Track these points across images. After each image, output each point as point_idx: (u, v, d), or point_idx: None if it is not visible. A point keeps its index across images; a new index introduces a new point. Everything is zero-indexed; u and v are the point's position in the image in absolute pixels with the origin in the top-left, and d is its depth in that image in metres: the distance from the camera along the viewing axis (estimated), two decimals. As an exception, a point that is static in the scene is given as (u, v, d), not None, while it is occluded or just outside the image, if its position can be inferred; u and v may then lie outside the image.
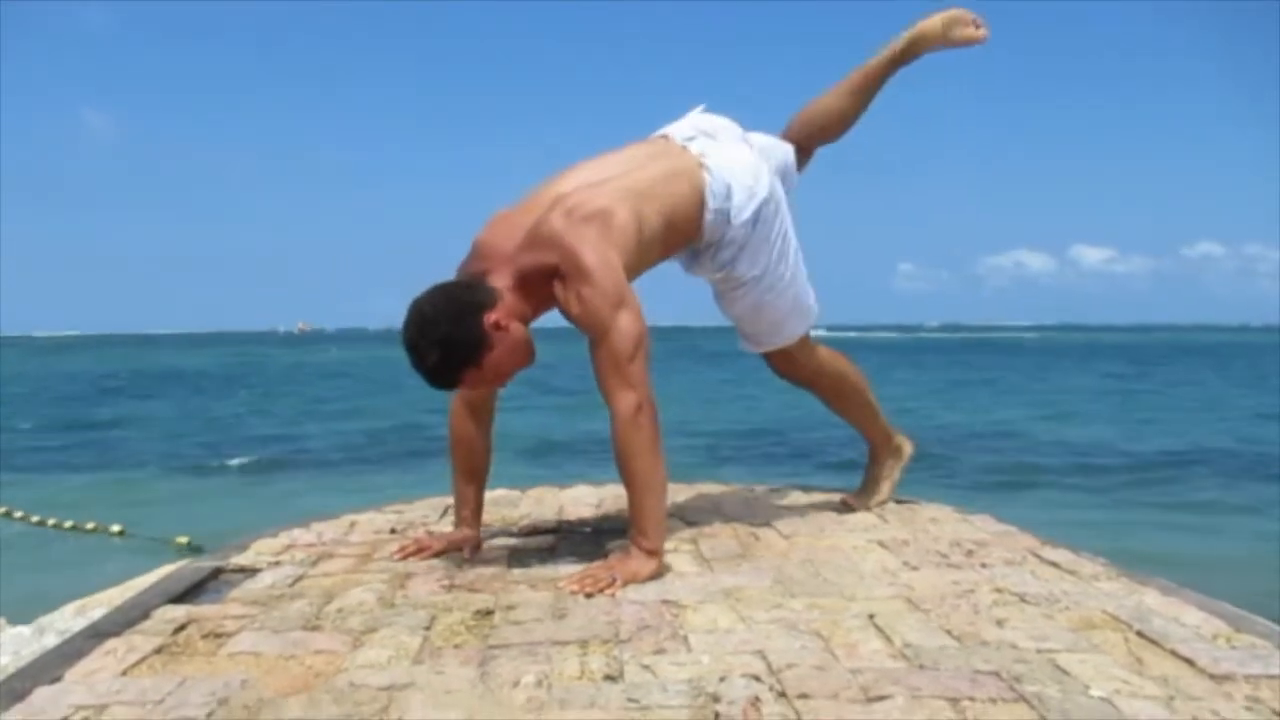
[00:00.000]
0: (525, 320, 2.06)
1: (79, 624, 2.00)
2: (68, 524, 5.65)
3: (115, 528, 5.53)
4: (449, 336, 1.94)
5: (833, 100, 2.58)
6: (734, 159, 2.28)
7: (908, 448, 2.74)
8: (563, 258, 2.01)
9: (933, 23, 2.50)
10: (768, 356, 2.57)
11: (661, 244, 2.20)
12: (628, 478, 2.02)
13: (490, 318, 1.96)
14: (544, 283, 2.05)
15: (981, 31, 2.50)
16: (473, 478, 2.31)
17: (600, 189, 2.11)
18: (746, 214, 2.26)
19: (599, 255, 2.01)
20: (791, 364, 2.58)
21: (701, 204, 2.23)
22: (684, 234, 2.25)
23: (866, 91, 2.56)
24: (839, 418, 2.76)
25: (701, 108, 2.44)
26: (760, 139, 2.48)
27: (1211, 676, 1.42)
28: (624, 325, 1.99)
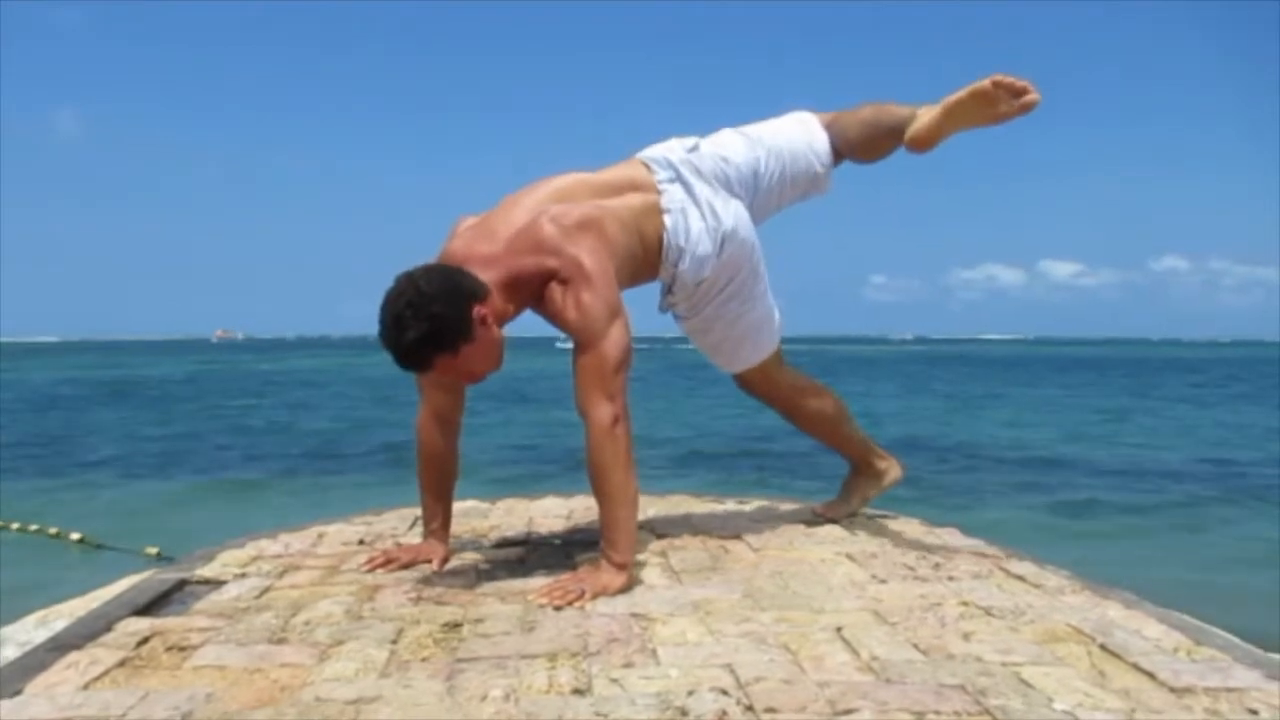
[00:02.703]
0: (502, 322, 2.03)
1: (40, 636, 1.97)
2: (32, 528, 5.54)
3: (75, 535, 5.44)
4: (441, 315, 1.85)
5: (866, 139, 2.41)
6: (692, 226, 2.26)
7: (893, 473, 2.70)
8: (564, 263, 2.00)
9: (960, 101, 2.16)
10: (732, 375, 2.60)
11: (626, 274, 2.19)
12: (602, 490, 2.01)
13: (480, 310, 1.92)
14: (535, 286, 2.04)
15: (1030, 98, 2.10)
16: (441, 491, 2.30)
17: (582, 206, 2.10)
18: (688, 281, 2.32)
19: (599, 263, 2.02)
20: (750, 385, 2.60)
21: (661, 250, 2.27)
22: (645, 271, 2.29)
23: (886, 147, 2.40)
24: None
25: (694, 142, 2.36)
26: (789, 142, 2.39)
27: (1172, 689, 1.44)
28: (617, 336, 2.00)
